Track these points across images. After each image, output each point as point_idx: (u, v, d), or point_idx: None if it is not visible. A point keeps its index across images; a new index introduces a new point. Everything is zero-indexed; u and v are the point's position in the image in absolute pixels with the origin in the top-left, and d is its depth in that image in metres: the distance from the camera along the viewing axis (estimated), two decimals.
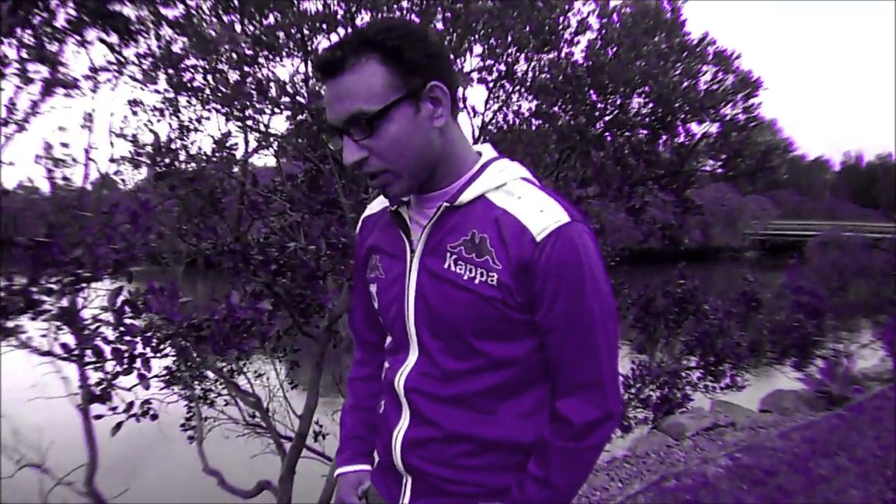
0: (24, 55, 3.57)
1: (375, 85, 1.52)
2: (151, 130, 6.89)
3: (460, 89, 7.09)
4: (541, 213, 1.57)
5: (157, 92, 6.92)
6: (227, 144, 5.04)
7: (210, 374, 6.71)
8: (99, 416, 3.92)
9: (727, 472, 6.04)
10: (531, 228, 1.55)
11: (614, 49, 7.27)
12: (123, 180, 7.84)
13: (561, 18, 7.08)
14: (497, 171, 1.67)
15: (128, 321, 3.38)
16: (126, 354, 3.18)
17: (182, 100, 7.27)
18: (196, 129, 7.50)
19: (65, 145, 6.27)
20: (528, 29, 5.91)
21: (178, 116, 7.51)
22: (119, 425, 4.19)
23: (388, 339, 1.86)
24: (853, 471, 6.00)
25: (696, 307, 10.11)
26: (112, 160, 7.46)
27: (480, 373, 1.64)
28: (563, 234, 1.55)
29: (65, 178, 6.60)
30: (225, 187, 5.62)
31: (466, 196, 1.62)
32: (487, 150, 1.74)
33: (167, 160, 3.88)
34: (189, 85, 6.85)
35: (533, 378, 1.68)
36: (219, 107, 7.23)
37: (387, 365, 1.85)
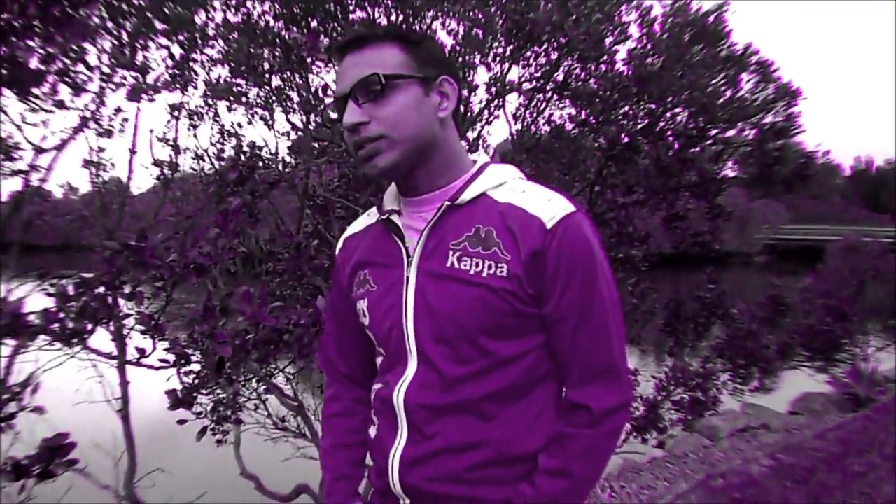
0: (113, 61, 3.60)
1: (392, 60, 1.55)
2: (235, 135, 6.93)
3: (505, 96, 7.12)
4: (549, 202, 1.56)
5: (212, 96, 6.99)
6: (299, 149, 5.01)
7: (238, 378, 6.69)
8: (182, 422, 3.90)
9: (771, 471, 6.12)
10: (541, 216, 1.53)
11: (660, 59, 7.21)
12: (167, 184, 7.91)
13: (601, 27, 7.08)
14: (498, 171, 1.67)
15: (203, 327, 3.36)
16: (216, 359, 3.16)
17: (221, 105, 7.33)
18: (237, 134, 7.55)
19: (101, 150, 6.31)
20: (587, 41, 5.87)
21: (217, 121, 7.55)
22: (204, 430, 4.20)
23: (381, 358, 1.78)
24: (884, 467, 6.17)
25: (725, 311, 10.06)
26: (155, 163, 7.52)
27: (485, 375, 1.58)
28: (572, 221, 1.54)
29: (103, 183, 6.66)
30: (298, 191, 5.63)
31: (468, 194, 1.61)
32: (482, 156, 1.74)
33: (249, 165, 3.85)
34: (232, 90, 6.90)
35: (537, 380, 1.62)
36: (261, 112, 7.31)
37: (379, 386, 1.76)
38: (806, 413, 10.12)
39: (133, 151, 6.28)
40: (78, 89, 3.41)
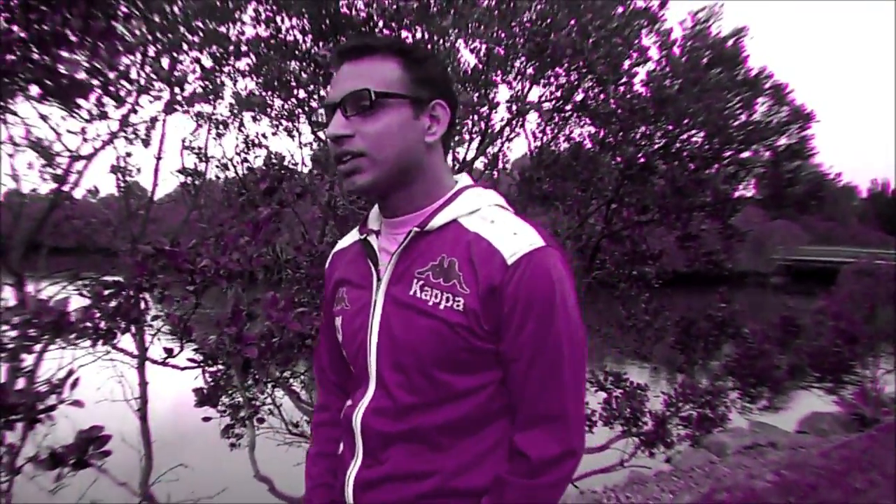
0: (153, 75, 3.75)
1: (388, 76, 1.53)
2: (260, 145, 7.09)
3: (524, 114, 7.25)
4: (514, 237, 1.50)
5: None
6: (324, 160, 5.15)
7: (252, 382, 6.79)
8: (207, 419, 4.03)
9: (774, 487, 6.23)
10: (502, 251, 1.48)
11: (679, 82, 7.33)
12: (191, 191, 8.08)
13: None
14: (472, 197, 1.62)
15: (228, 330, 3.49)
16: (242, 360, 3.30)
17: (247, 115, 7.49)
18: (260, 145, 7.72)
19: (128, 155, 6.47)
20: (606, 64, 6.00)
21: (242, 131, 7.72)
22: (228, 427, 4.32)
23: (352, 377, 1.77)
24: (885, 484, 6.33)
25: (736, 330, 10.12)
26: (182, 171, 7.69)
27: (438, 406, 1.54)
28: (535, 258, 1.48)
29: (128, 188, 6.80)
30: (320, 201, 5.77)
31: (438, 221, 1.57)
32: (464, 179, 1.70)
33: (277, 176, 3.99)
34: (259, 102, 7.06)
35: (491, 415, 1.57)
36: (285, 123, 7.47)
37: (348, 403, 1.74)
38: (813, 432, 10.22)
39: (159, 158, 6.45)
40: (121, 101, 3.57)
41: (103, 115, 3.56)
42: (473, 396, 1.54)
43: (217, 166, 7.87)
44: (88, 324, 3.23)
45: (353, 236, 1.83)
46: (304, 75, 6.66)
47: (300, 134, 7.45)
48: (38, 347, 3.37)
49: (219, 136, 7.63)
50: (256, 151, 7.73)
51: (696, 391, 8.78)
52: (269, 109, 7.34)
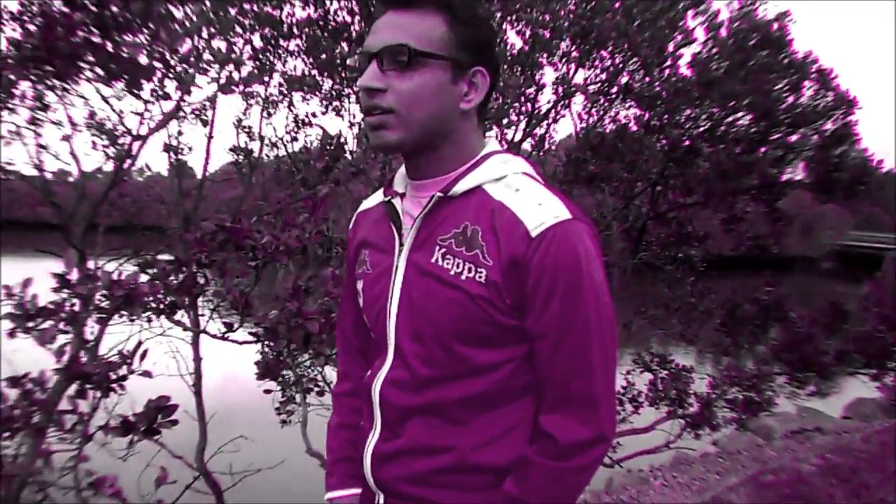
0: (212, 57, 3.84)
1: (431, 34, 1.43)
2: (310, 124, 7.21)
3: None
4: (539, 207, 1.41)
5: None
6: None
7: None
8: (269, 391, 4.13)
9: (819, 470, 6.28)
10: (526, 222, 1.39)
11: (725, 64, 7.32)
12: (242, 169, 8.22)
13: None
14: (499, 163, 1.53)
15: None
16: (303, 335, 3.39)
17: (296, 95, 7.61)
18: (310, 124, 7.84)
19: (180, 134, 6.60)
20: (650, 46, 6.02)
21: (292, 110, 7.85)
22: (283, 403, 4.41)
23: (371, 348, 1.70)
24: None
25: (783, 315, 10.07)
26: (234, 149, 7.83)
27: (457, 380, 1.48)
28: (561, 231, 1.39)
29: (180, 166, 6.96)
30: (374, 182, 5.84)
31: (462, 186, 1.48)
32: (492, 143, 1.59)
33: (334, 156, 4.07)
34: (308, 81, 7.18)
35: (513, 392, 1.50)
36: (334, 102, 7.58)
37: (368, 372, 1.68)
38: (857, 417, 10.21)
39: (210, 137, 6.59)
40: (183, 83, 3.67)
41: (165, 97, 3.67)
42: (494, 372, 1.47)
43: (267, 145, 8.01)
44: (153, 298, 3.34)
45: (377, 197, 1.74)
46: (352, 56, 6.76)
47: (350, 114, 7.55)
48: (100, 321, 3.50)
49: (269, 115, 7.76)
50: (306, 130, 7.89)
51: (741, 374, 8.78)
52: (318, 90, 7.46)
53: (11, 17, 4.18)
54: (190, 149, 6.93)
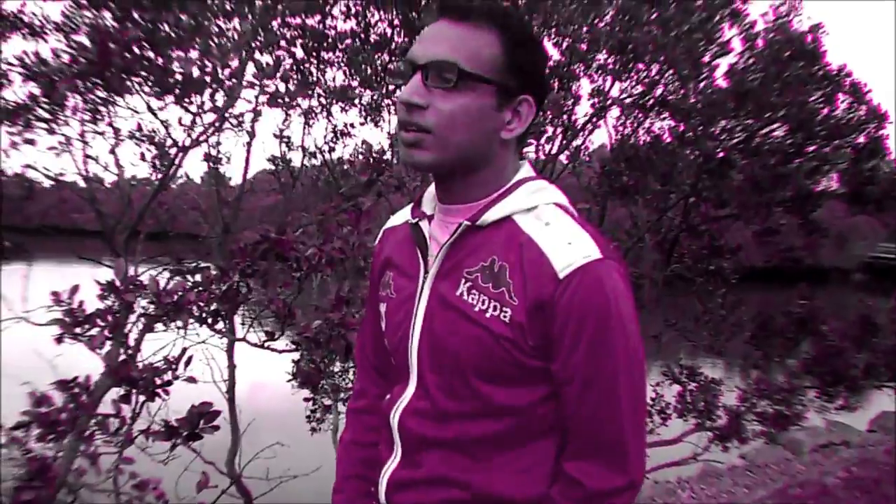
0: (261, 72, 3.93)
1: (484, 53, 1.37)
2: (366, 141, 7.31)
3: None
4: (568, 246, 1.36)
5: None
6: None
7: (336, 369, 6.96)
8: (308, 399, 4.20)
9: (843, 483, 6.33)
10: (554, 263, 1.34)
11: (760, 75, 7.33)
12: (280, 179, 8.32)
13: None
14: (530, 192, 1.47)
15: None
16: (344, 345, 3.46)
17: (335, 106, 7.70)
18: (349, 134, 7.93)
19: (219, 143, 6.70)
20: (687, 58, 6.06)
21: (330, 120, 7.94)
22: (327, 408, 4.50)
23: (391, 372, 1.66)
24: None
25: (815, 328, 10.01)
26: (272, 159, 7.94)
27: (479, 418, 1.43)
28: (590, 271, 1.33)
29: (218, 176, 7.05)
30: (413, 196, 5.92)
31: (490, 216, 1.42)
32: (524, 169, 1.53)
33: (378, 169, 4.15)
34: (353, 95, 7.27)
35: (538, 432, 1.46)
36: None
37: (388, 396, 1.63)
38: (882, 431, 10.21)
39: (250, 146, 6.68)
40: (232, 97, 3.77)
41: (215, 110, 3.76)
42: (518, 411, 1.43)
43: (305, 155, 8.11)
44: (197, 307, 3.42)
45: (405, 214, 1.67)
46: (392, 67, 6.84)
47: (389, 125, 7.64)
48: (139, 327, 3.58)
49: (308, 125, 7.86)
50: (345, 141, 7.99)
51: (770, 387, 8.76)
52: (358, 101, 7.55)
53: (56, 28, 4.31)
54: (228, 159, 7.03)
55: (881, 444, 8.84)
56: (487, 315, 1.38)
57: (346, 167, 7.03)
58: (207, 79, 3.47)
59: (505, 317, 1.36)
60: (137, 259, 4.91)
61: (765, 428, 8.65)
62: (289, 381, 7.03)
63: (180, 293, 3.08)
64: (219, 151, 6.90)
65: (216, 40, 3.66)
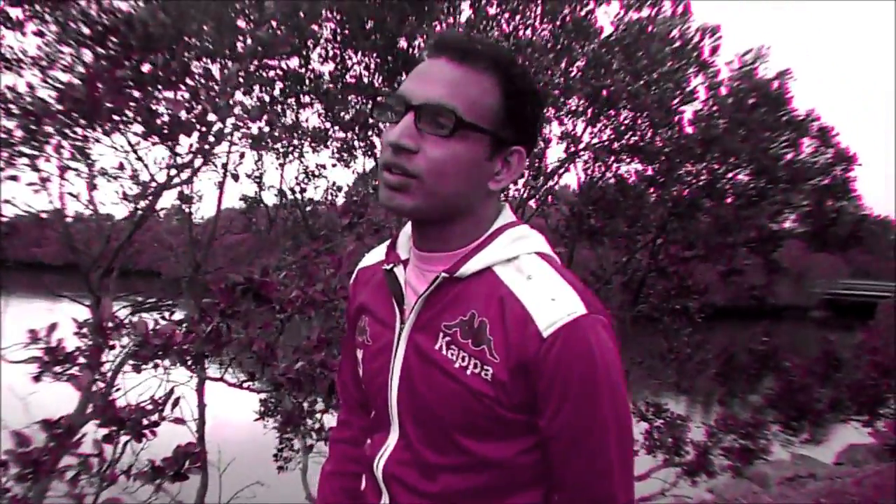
0: (245, 114, 3.94)
1: (481, 100, 1.28)
2: (350, 185, 7.34)
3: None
4: (552, 303, 1.28)
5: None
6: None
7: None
8: (290, 439, 4.18)
9: None
10: (538, 321, 1.26)
11: (725, 122, 7.50)
12: (253, 220, 8.33)
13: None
14: (510, 241, 1.38)
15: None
16: (328, 385, 3.45)
17: (307, 147, 7.75)
18: (320, 175, 7.98)
19: (191, 182, 6.69)
20: (659, 107, 6.20)
21: (302, 162, 7.98)
22: (311, 447, 4.46)
23: (372, 412, 1.57)
24: None
25: (776, 364, 10.14)
26: (243, 199, 7.95)
27: (464, 471, 1.37)
28: (576, 329, 1.25)
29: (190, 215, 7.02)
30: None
31: (469, 268, 1.34)
32: (505, 213, 1.43)
33: (358, 212, 4.16)
34: (321, 134, 7.33)
35: (524, 483, 1.39)
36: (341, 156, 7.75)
37: (368, 441, 1.58)
38: (849, 463, 10.38)
39: (222, 186, 6.68)
40: (220, 139, 3.76)
41: (202, 151, 3.75)
42: (502, 464, 1.36)
43: (276, 195, 8.14)
44: (182, 348, 3.39)
45: (379, 253, 1.58)
46: (365, 109, 6.91)
47: (361, 164, 7.71)
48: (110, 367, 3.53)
49: (280, 166, 7.89)
50: (316, 182, 8.03)
51: (737, 422, 8.84)
52: (329, 141, 7.60)
53: (32, 63, 4.29)
54: (200, 197, 7.01)
55: (849, 476, 8.96)
56: (468, 373, 1.30)
57: (321, 208, 7.06)
58: (193, 119, 3.46)
59: (486, 375, 1.29)
60: (111, 296, 4.88)
61: (731, 462, 8.73)
62: (256, 419, 7.00)
63: (168, 335, 3.06)
64: (191, 190, 6.92)
65: (203, 82, 3.65)
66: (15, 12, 4.01)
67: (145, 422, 2.99)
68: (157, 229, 8.33)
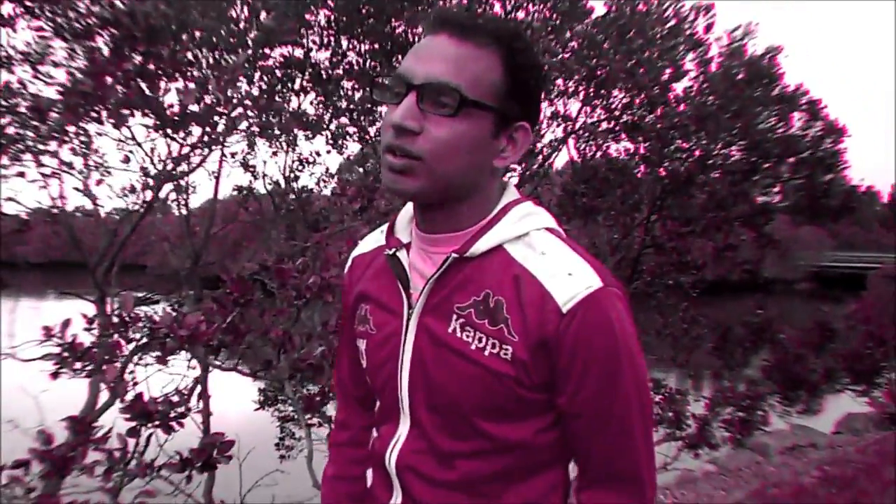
0: (250, 103, 3.90)
1: (485, 77, 1.22)
2: (313, 163, 7.31)
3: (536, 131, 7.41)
4: (568, 277, 1.24)
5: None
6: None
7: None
8: (310, 425, 4.16)
9: (819, 481, 6.46)
10: (556, 296, 1.22)
11: (717, 99, 7.51)
12: (247, 208, 8.30)
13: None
14: (519, 218, 1.33)
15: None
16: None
17: (300, 134, 7.71)
18: (314, 162, 7.96)
19: (186, 174, 6.66)
20: (655, 85, 6.20)
21: (294, 150, 7.96)
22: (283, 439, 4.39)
23: (377, 404, 1.51)
24: None
25: (772, 336, 10.20)
26: (237, 189, 7.91)
27: (484, 456, 1.33)
28: (594, 302, 1.22)
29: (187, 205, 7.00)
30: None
31: (480, 246, 1.28)
32: (510, 192, 1.38)
33: (369, 197, 4.13)
34: (315, 121, 7.29)
35: (545, 462, 1.37)
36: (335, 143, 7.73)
37: (375, 434, 1.51)
38: (848, 432, 10.50)
39: (218, 177, 6.65)
40: (232, 130, 3.73)
41: (215, 142, 3.72)
42: (522, 445, 1.33)
43: (270, 183, 8.11)
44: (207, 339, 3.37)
45: (375, 239, 1.52)
46: (358, 95, 6.89)
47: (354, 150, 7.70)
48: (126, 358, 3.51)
49: (274, 154, 7.86)
50: (311, 169, 8.01)
51: (735, 394, 8.89)
52: (323, 128, 7.57)
53: (23, 59, 4.23)
54: (194, 188, 6.98)
55: (851, 445, 9.08)
56: (486, 353, 1.26)
57: (323, 194, 7.04)
58: (205, 109, 3.43)
59: (506, 354, 1.25)
60: (115, 291, 4.84)
61: (731, 433, 8.79)
62: (256, 409, 6.98)
63: (194, 326, 3.03)
64: (188, 182, 6.89)
65: (212, 72, 3.62)
66: (6, 8, 3.94)
67: (173, 413, 2.98)
68: (151, 221, 8.30)
